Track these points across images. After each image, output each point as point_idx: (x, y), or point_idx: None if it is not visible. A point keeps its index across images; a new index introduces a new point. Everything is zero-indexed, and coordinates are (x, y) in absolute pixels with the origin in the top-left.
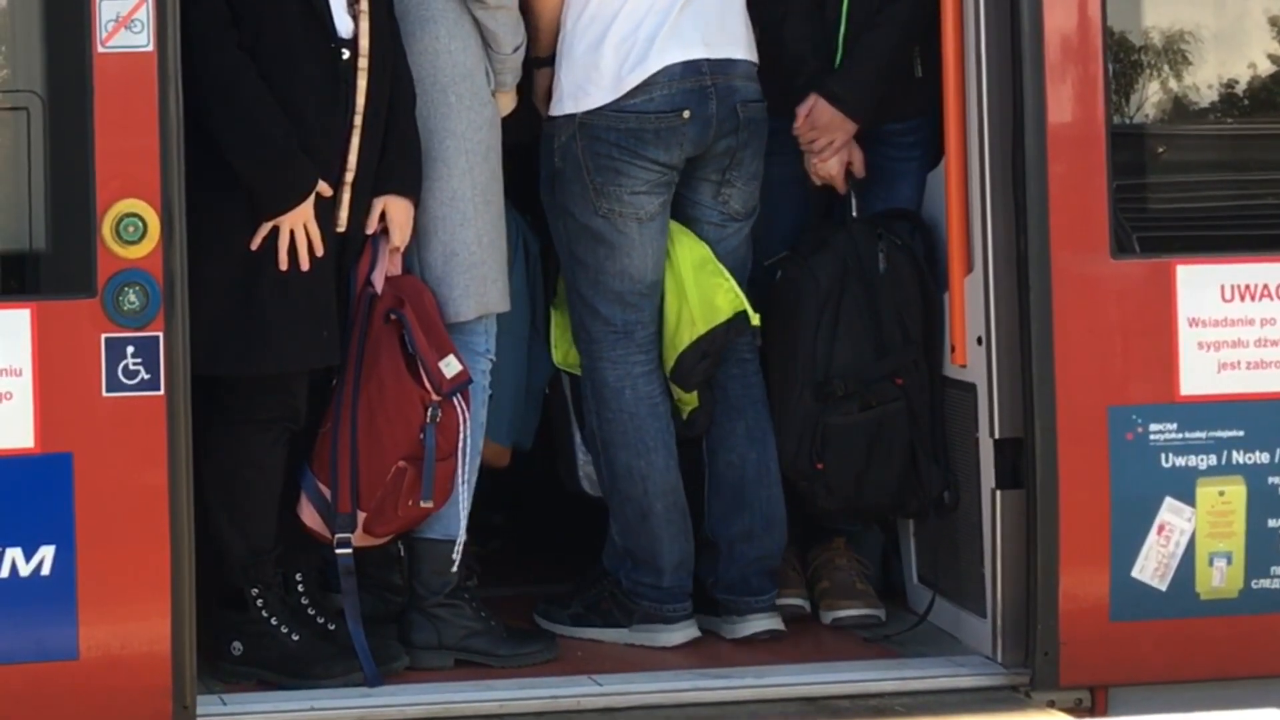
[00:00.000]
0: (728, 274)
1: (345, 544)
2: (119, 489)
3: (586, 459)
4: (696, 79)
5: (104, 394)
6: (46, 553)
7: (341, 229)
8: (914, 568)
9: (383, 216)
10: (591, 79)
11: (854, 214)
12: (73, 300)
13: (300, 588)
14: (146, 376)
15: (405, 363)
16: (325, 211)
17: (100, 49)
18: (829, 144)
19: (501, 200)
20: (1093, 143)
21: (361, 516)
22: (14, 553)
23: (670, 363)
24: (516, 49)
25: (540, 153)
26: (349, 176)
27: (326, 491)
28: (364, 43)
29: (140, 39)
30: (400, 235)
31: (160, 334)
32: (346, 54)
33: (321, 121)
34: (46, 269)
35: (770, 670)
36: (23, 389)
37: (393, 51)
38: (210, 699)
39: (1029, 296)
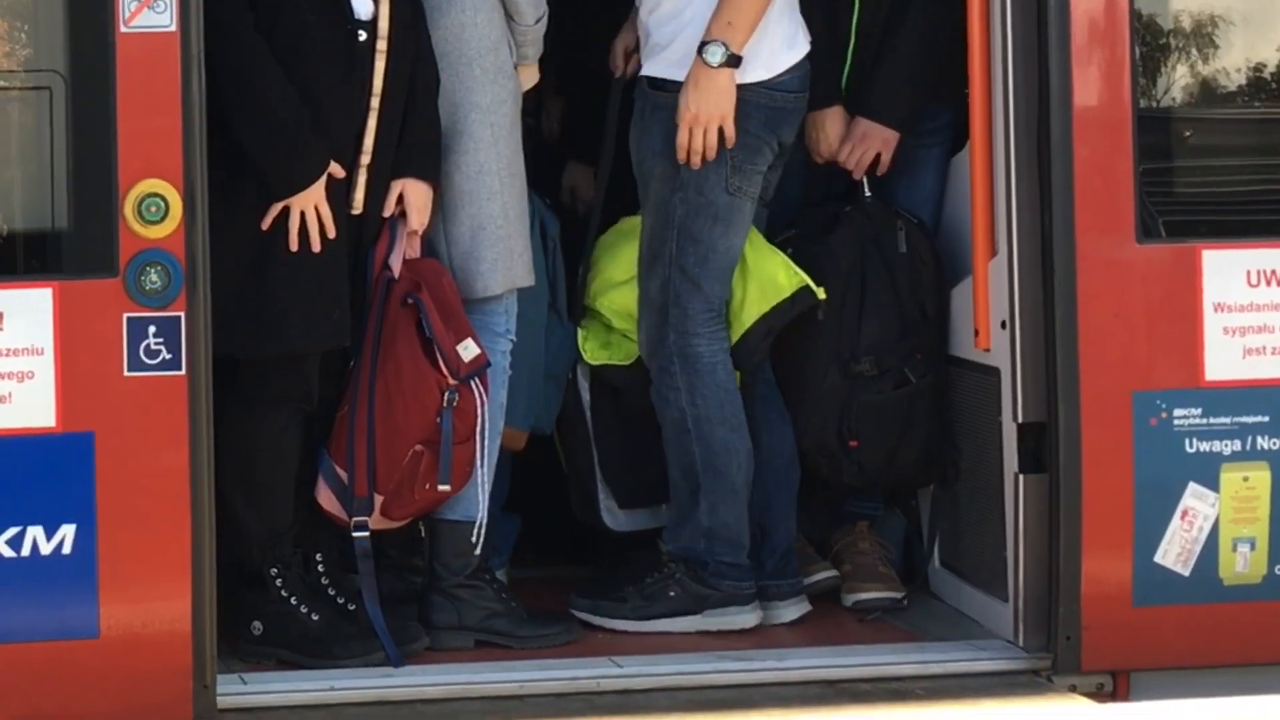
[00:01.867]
0: (779, 250)
1: (362, 527)
2: (140, 468)
3: (607, 494)
4: (807, 64)
5: (125, 374)
6: (67, 531)
7: (356, 211)
8: (936, 551)
9: (401, 200)
10: (753, 52)
11: (867, 194)
12: (95, 280)
13: (320, 568)
14: (168, 356)
15: (422, 347)
16: (339, 193)
17: (123, 29)
18: (862, 155)
19: (524, 175)
20: (1119, 126)
21: (378, 500)
22: (35, 531)
23: (734, 340)
24: (539, 20)
25: (651, 122)
26: (365, 159)
27: (343, 475)
28: (383, 25)
29: (163, 19)
30: (418, 218)
31: (182, 314)
32: (364, 35)
33: (337, 103)
34: (68, 249)
35: (790, 653)
36: (44, 368)
37: (414, 34)
38: (230, 678)
39: (1053, 281)
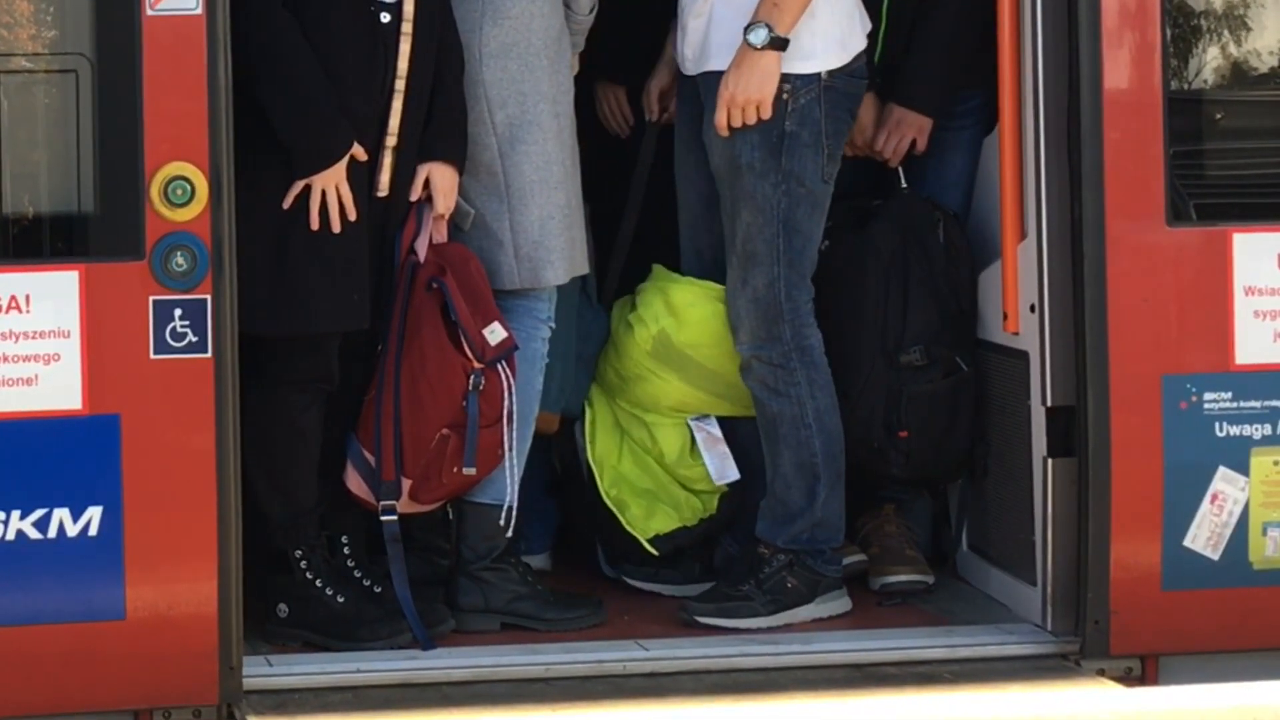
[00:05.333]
0: None
1: (390, 511)
2: (166, 451)
3: (600, 550)
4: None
5: (152, 356)
6: (94, 513)
7: (383, 194)
8: (964, 535)
9: (427, 184)
10: (836, 40)
11: (903, 185)
12: (121, 263)
13: (346, 549)
14: (194, 339)
15: (447, 330)
16: (361, 176)
17: (149, 12)
18: (898, 143)
19: (579, 164)
20: (1149, 109)
21: (407, 484)
22: (61, 513)
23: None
24: (592, 10)
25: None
26: (391, 141)
27: (371, 459)
28: (408, 8)
29: (189, 3)
30: (444, 202)
31: (208, 297)
32: (387, 17)
33: (359, 84)
34: (95, 232)
35: (817, 637)
36: (71, 351)
37: (439, 19)
38: (257, 660)
39: (1083, 264)
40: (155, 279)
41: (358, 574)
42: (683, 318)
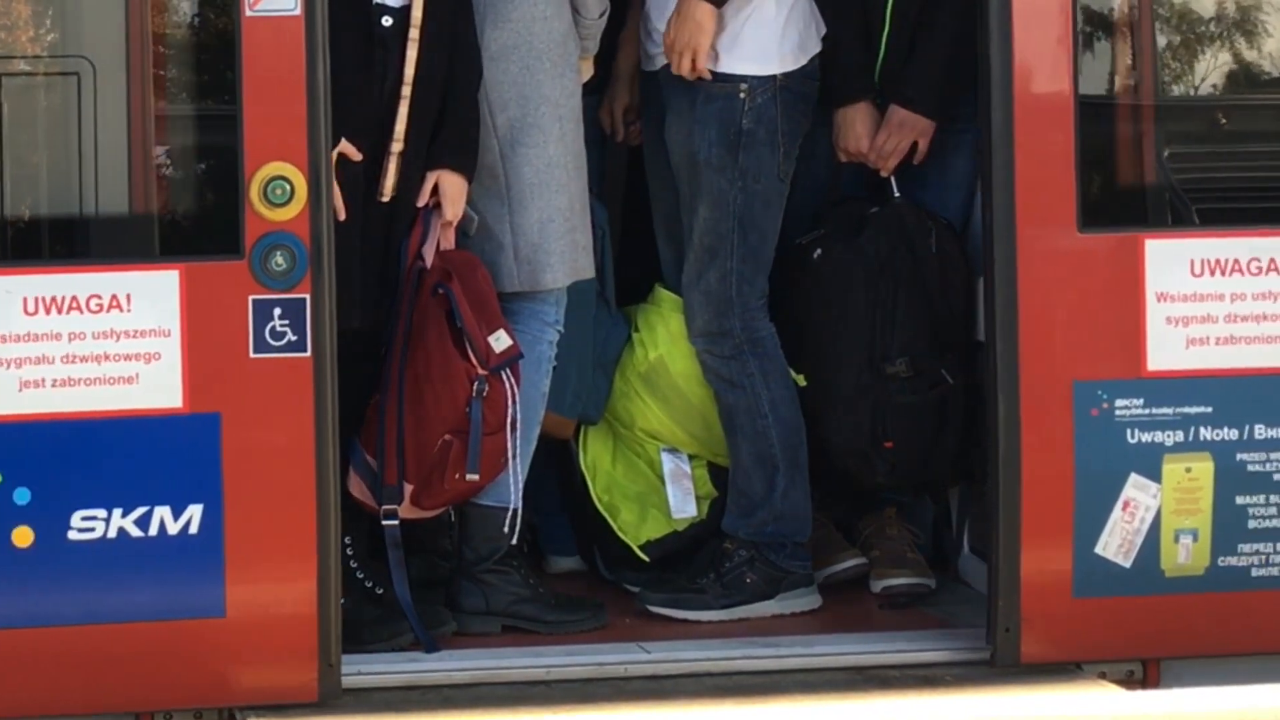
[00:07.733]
0: None
1: (392, 515)
2: (266, 449)
3: (598, 553)
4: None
5: (251, 355)
6: (194, 511)
7: (385, 198)
8: (965, 538)
9: (435, 190)
10: (793, 43)
11: (895, 194)
12: (221, 262)
13: (349, 552)
14: (293, 338)
15: (452, 337)
16: (357, 178)
17: (248, 13)
18: (898, 144)
19: (586, 167)
20: (1060, 113)
21: (408, 489)
22: (163, 511)
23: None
24: (602, 13)
25: (705, 112)
26: (396, 147)
27: (374, 463)
28: (416, 13)
29: (288, 4)
30: (452, 210)
31: (307, 296)
32: (389, 21)
33: (355, 87)
34: (195, 231)
35: (818, 639)
36: (171, 350)
37: (452, 25)
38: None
39: (993, 270)
40: (255, 278)
41: (360, 576)
42: (683, 348)
